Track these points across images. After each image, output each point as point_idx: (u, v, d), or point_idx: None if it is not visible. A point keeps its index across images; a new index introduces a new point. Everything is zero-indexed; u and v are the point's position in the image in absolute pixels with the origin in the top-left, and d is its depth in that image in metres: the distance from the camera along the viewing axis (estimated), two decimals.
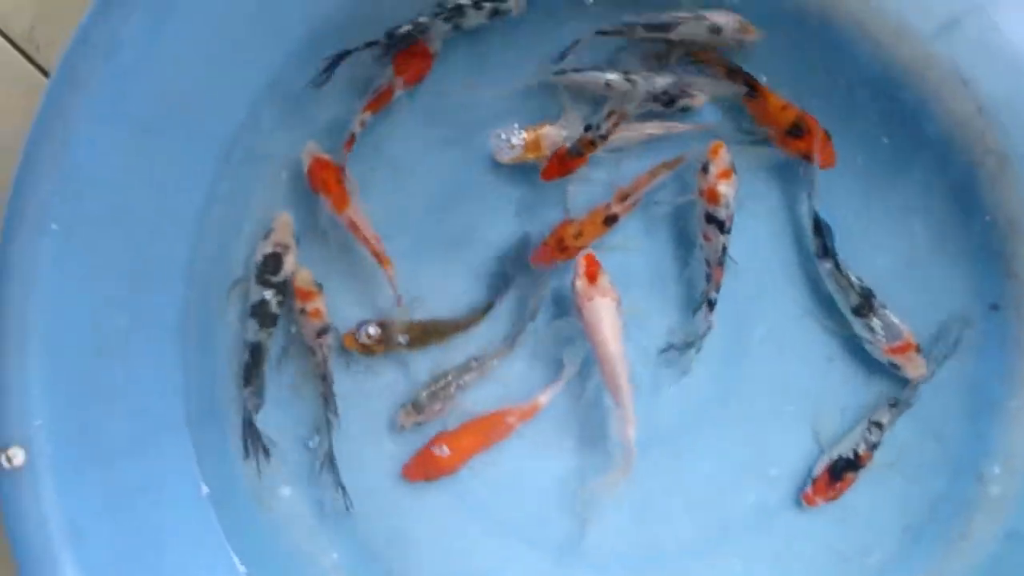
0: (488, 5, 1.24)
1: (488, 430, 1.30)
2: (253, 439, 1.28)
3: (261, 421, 1.29)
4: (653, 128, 1.30)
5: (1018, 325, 1.27)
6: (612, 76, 1.27)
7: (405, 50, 1.26)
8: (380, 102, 1.28)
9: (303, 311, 1.28)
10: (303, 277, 1.28)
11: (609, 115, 1.25)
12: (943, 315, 1.30)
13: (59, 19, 1.34)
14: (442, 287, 1.34)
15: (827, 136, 1.27)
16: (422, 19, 1.24)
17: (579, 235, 1.29)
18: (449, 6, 1.24)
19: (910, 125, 1.27)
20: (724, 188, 1.23)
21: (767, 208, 1.34)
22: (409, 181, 1.34)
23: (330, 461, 1.28)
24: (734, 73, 1.27)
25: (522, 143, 1.30)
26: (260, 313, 1.27)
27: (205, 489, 1.24)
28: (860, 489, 1.30)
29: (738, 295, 1.33)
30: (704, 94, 1.29)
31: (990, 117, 1.21)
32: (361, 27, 1.24)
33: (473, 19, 1.25)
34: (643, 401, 1.29)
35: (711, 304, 1.27)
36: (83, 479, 1.13)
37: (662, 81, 1.27)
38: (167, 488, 1.21)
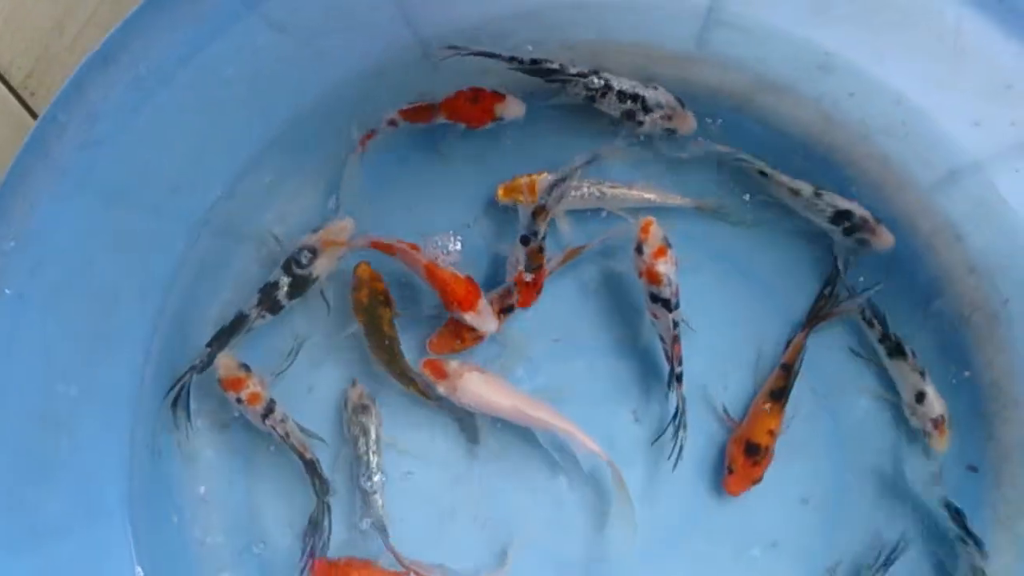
0: (652, 115, 1.24)
1: None
2: (183, 399, 1.23)
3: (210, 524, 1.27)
4: (651, 194, 1.29)
5: (995, 491, 1.24)
6: (802, 184, 1.25)
7: (470, 94, 1.25)
8: (417, 115, 1.26)
9: (240, 400, 1.23)
10: (226, 366, 1.23)
11: (536, 214, 1.22)
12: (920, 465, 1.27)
13: (55, 67, 1.33)
14: None
15: (755, 482, 1.25)
16: (572, 69, 1.23)
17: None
18: (619, 88, 1.23)
19: (902, 273, 1.25)
20: (663, 267, 1.18)
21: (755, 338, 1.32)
22: None
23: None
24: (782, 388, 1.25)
25: (458, 251, 1.29)
26: (264, 291, 1.24)
27: (139, 571, 1.19)
28: None
29: (714, 423, 1.29)
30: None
31: (982, 276, 1.20)
32: (344, 114, 1.24)
33: (612, 106, 1.25)
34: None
35: (678, 379, 1.23)
36: (9, 560, 1.07)
37: (847, 204, 1.24)
38: (99, 569, 1.17)
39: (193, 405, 1.25)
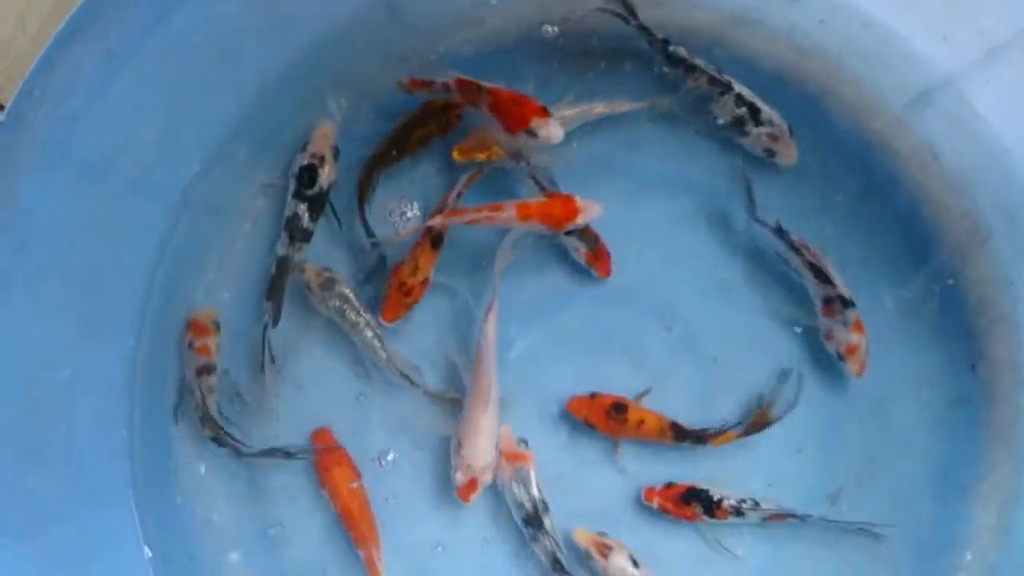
0: (761, 129, 1.24)
1: None
2: (267, 354, 1.24)
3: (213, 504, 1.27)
4: (600, 107, 1.27)
5: (990, 408, 1.24)
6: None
7: (518, 96, 1.19)
8: (467, 89, 1.20)
9: (191, 345, 1.22)
10: (205, 314, 1.24)
11: None
12: (911, 391, 1.27)
13: (20, 61, 1.32)
14: None
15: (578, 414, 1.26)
16: (700, 61, 1.23)
17: (416, 270, 1.24)
18: (738, 92, 1.24)
19: (882, 196, 1.26)
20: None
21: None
22: None
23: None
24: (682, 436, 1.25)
25: (417, 215, 1.29)
26: (291, 227, 1.24)
27: (148, 552, 1.19)
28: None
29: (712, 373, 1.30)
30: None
31: (961, 192, 1.20)
32: (314, 84, 1.23)
33: (727, 108, 1.24)
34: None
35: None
36: (12, 546, 1.07)
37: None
38: (106, 552, 1.16)
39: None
